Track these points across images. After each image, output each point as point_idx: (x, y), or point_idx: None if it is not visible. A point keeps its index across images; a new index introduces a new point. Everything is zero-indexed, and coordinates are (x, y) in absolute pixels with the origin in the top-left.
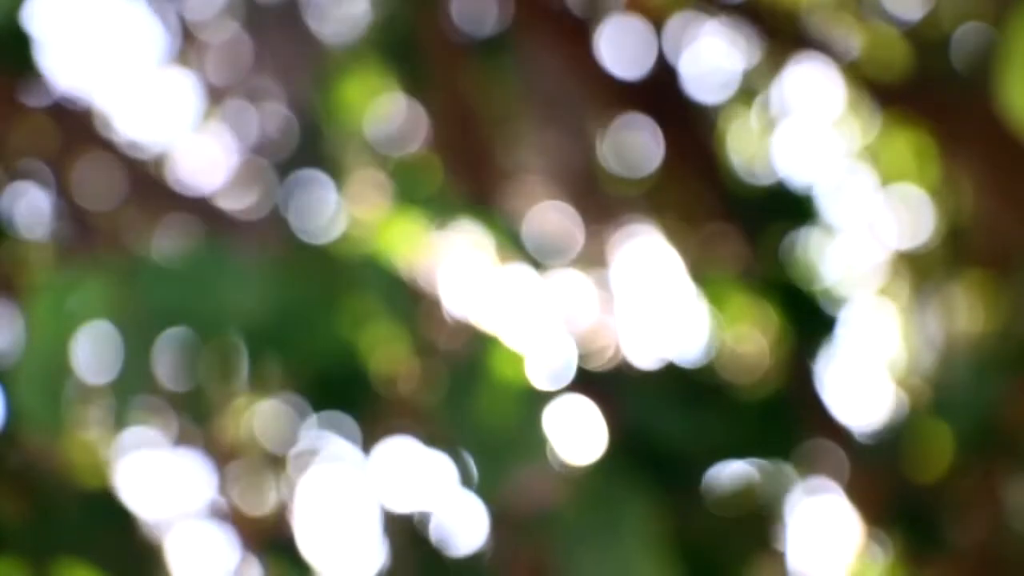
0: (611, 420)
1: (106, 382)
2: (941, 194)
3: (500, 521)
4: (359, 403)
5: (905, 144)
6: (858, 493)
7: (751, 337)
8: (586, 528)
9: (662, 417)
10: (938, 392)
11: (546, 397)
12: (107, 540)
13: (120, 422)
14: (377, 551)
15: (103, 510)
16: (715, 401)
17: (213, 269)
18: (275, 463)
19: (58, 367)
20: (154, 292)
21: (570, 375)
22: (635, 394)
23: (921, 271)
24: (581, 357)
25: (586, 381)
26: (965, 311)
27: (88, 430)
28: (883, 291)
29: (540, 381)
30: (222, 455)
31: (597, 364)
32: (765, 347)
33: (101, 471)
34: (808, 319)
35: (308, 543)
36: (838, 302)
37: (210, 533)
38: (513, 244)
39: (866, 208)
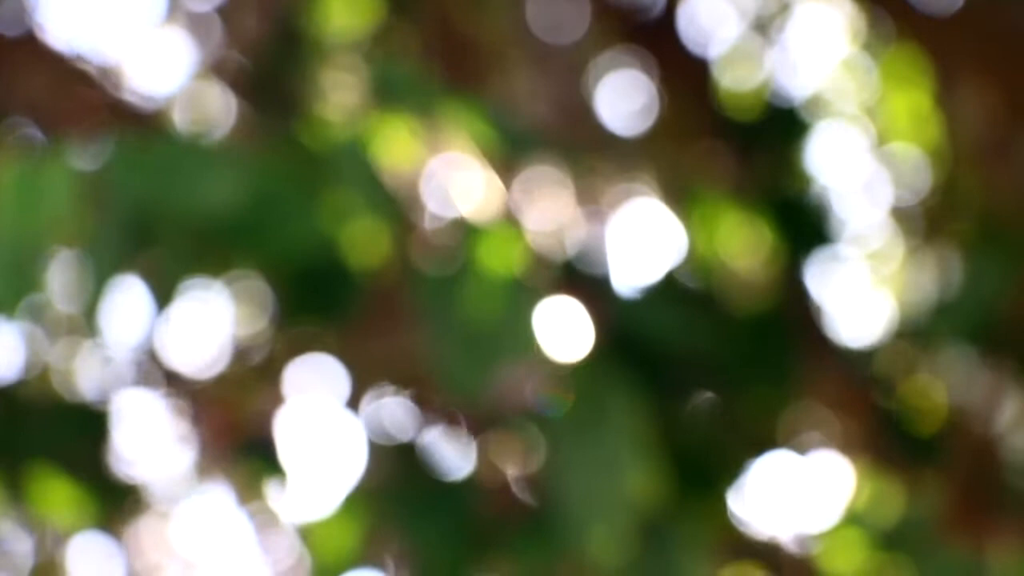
0: (600, 320)
1: (77, 276)
2: (939, 152)
3: (485, 421)
4: (339, 300)
5: (904, 102)
6: (850, 410)
7: (745, 254)
8: (572, 428)
9: (653, 320)
10: (938, 296)
11: (534, 292)
12: (80, 447)
13: (92, 316)
14: (357, 458)
15: (77, 417)
16: (708, 314)
17: (186, 158)
18: (253, 364)
19: (27, 253)
20: (125, 180)
21: (559, 272)
22: (626, 297)
23: (917, 228)
24: (570, 256)
25: (575, 280)
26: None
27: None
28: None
29: (528, 276)
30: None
31: (587, 265)
32: (759, 264)
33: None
34: (802, 236)
35: (286, 448)
36: (832, 219)
37: (183, 434)
38: (500, 137)
39: (862, 164)
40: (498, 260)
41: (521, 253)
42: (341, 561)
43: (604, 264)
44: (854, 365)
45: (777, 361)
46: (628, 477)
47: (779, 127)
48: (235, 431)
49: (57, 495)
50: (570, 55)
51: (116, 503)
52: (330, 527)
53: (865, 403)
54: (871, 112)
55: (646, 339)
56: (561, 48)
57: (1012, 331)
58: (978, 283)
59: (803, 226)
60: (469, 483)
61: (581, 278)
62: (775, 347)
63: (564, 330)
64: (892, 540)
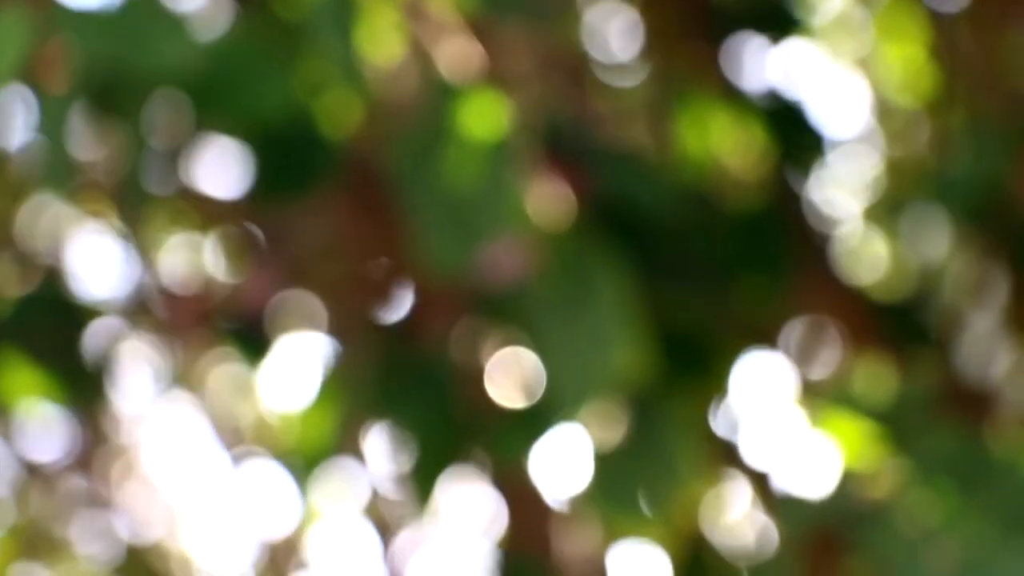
0: (584, 192)
1: (32, 142)
2: (934, 104)
3: (466, 297)
4: (313, 168)
5: (899, 53)
6: (841, 301)
7: (736, 154)
8: (557, 301)
9: (642, 194)
10: (936, 174)
11: (517, 158)
12: (49, 334)
13: (51, 184)
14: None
15: (46, 301)
16: (698, 206)
17: (149, 16)
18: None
19: None
20: (81, 39)
21: (542, 140)
22: (614, 170)
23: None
24: (554, 124)
25: (559, 149)
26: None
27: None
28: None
29: (510, 142)
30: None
31: (571, 135)
32: (750, 165)
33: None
34: (793, 134)
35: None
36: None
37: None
38: None
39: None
40: (479, 125)
41: (503, 118)
42: (319, 450)
43: (589, 136)
44: (844, 260)
45: (769, 255)
46: (614, 352)
47: (771, 20)
48: (210, 316)
49: (26, 383)
50: None
51: (88, 393)
52: (307, 415)
53: (856, 294)
54: (865, 63)
55: (634, 213)
56: None
57: (1009, 209)
58: (977, 159)
59: (794, 125)
60: (451, 366)
61: (565, 147)
62: (767, 241)
63: (548, 200)
64: (884, 421)
